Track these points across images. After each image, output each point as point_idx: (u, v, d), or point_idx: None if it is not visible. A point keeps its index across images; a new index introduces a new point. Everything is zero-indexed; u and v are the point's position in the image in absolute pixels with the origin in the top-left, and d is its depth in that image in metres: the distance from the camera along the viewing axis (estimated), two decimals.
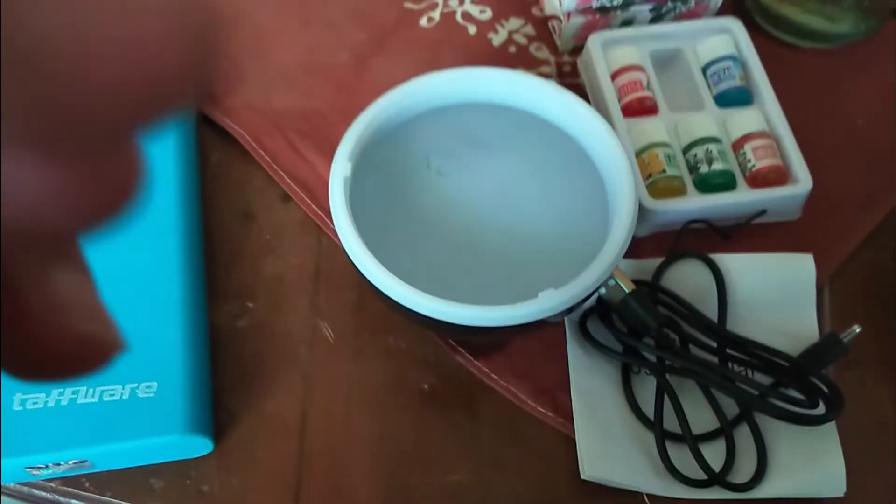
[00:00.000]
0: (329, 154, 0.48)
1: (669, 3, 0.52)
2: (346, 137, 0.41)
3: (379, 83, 0.51)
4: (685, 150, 0.46)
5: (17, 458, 0.37)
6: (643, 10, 0.52)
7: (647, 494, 0.39)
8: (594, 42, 0.49)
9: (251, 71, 0.53)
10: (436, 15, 0.55)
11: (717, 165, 0.45)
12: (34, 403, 0.38)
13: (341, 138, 0.43)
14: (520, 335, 0.42)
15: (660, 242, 0.45)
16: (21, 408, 0.38)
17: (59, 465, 0.38)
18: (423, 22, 0.55)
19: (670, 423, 0.40)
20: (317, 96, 0.52)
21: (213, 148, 0.50)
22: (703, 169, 0.45)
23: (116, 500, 0.40)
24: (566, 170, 0.43)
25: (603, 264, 0.36)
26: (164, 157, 0.45)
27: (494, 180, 0.45)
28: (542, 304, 0.35)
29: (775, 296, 0.43)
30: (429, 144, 0.45)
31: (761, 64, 0.48)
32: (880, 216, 0.47)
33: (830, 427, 0.39)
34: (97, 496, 0.40)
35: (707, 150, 0.45)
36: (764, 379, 0.41)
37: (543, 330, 0.42)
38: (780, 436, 0.40)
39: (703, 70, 0.49)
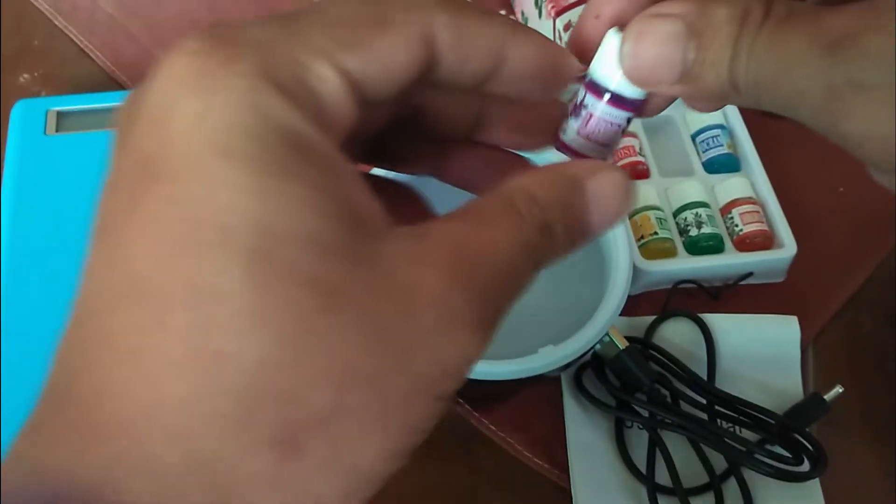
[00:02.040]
0: None
1: None
2: None
3: None
4: (675, 214, 0.49)
5: None
6: None
7: None
8: None
9: None
10: None
11: (706, 229, 0.47)
12: None
13: None
14: (519, 388, 0.44)
15: (651, 300, 0.47)
16: None
17: None
18: None
19: (662, 476, 0.41)
20: None
21: None
22: (693, 232, 0.47)
23: None
24: None
25: (600, 322, 0.38)
26: None
27: None
28: (543, 359, 0.37)
29: (762, 355, 0.45)
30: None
31: (748, 133, 0.51)
32: (861, 279, 0.50)
33: (814, 483, 0.41)
34: None
35: (696, 214, 0.48)
36: (751, 435, 0.42)
37: (541, 383, 0.43)
38: (767, 491, 0.41)
39: (693, 137, 0.52)
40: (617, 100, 0.22)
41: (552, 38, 0.54)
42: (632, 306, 0.47)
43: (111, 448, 0.15)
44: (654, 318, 0.46)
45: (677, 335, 0.46)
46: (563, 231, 0.19)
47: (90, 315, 0.17)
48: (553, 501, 0.42)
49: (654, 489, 0.41)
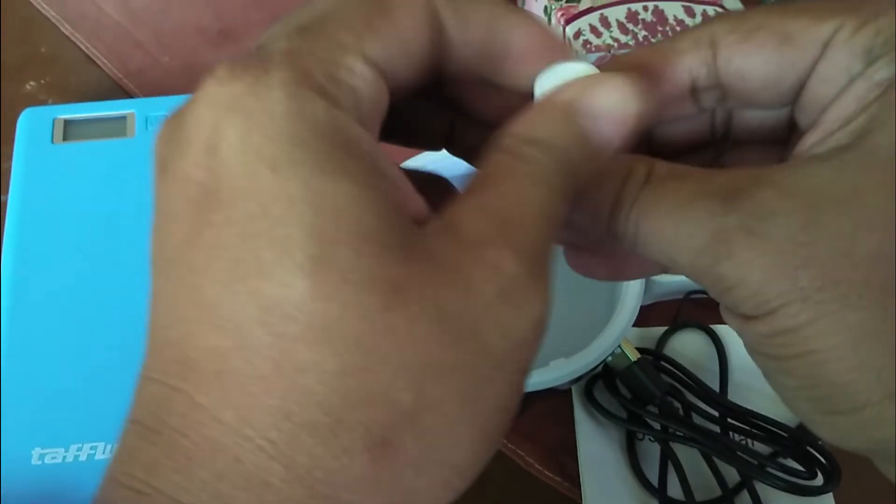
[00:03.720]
0: None
1: None
2: None
3: (391, 150, 0.53)
4: None
5: None
6: None
7: None
8: None
9: None
10: None
11: None
12: (53, 458, 0.39)
13: None
14: (529, 400, 0.44)
15: (662, 311, 0.47)
16: (40, 462, 0.38)
17: None
18: None
19: (674, 489, 0.41)
20: None
21: None
22: None
23: None
24: None
25: (612, 334, 0.38)
26: None
27: None
28: (554, 372, 0.37)
29: None
30: None
31: None
32: None
33: (828, 498, 0.41)
34: None
35: None
36: (764, 448, 0.42)
37: (552, 395, 0.43)
38: None
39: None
40: None
41: None
42: (643, 317, 0.46)
43: (211, 469, 0.16)
44: (665, 329, 0.46)
45: (689, 347, 0.45)
46: (580, 157, 0.19)
47: (167, 345, 0.17)
48: None
49: (665, 502, 0.41)
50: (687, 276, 0.21)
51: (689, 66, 0.22)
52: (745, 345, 0.21)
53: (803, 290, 0.18)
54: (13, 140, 0.49)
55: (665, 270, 0.24)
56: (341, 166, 0.16)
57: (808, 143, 0.21)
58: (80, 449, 0.39)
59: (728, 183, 0.20)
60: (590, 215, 0.21)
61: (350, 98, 0.17)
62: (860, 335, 0.18)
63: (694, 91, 0.23)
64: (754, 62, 0.21)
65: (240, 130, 0.16)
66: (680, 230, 0.20)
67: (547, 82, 0.20)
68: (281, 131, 0.16)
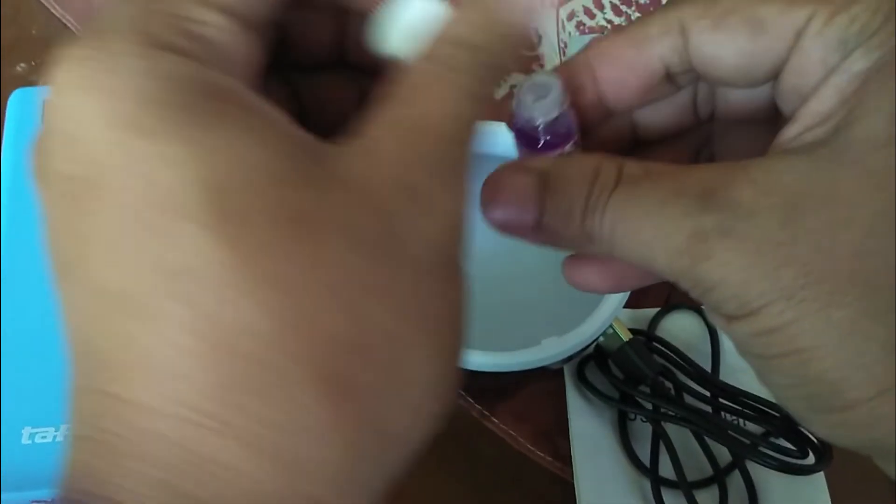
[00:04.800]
0: None
1: None
2: None
3: None
4: None
5: (23, 492, 0.37)
6: None
7: None
8: None
9: None
10: None
11: None
12: (43, 437, 0.39)
13: None
14: (521, 380, 0.44)
15: (655, 292, 0.47)
16: (30, 441, 0.38)
17: None
18: None
19: (665, 469, 0.41)
20: None
21: None
22: None
23: None
24: None
25: (604, 314, 0.37)
26: None
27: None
28: (546, 350, 0.37)
29: None
30: None
31: None
32: None
33: (819, 477, 0.41)
34: None
35: None
36: (755, 428, 0.42)
37: (543, 376, 0.43)
38: (771, 484, 0.41)
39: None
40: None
41: (555, 29, 0.53)
42: (635, 299, 0.46)
43: (160, 465, 0.15)
44: (657, 310, 0.46)
45: (681, 328, 0.45)
46: (503, 50, 0.19)
47: (87, 353, 0.16)
48: (556, 494, 0.42)
49: (657, 482, 0.41)
50: (667, 279, 0.20)
51: (659, 53, 0.22)
52: (734, 344, 0.21)
53: (786, 289, 0.18)
54: (3, 121, 0.49)
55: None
56: (211, 114, 0.15)
57: (787, 136, 0.20)
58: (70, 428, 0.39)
59: (703, 180, 0.19)
60: (561, 218, 0.21)
61: (207, 50, 0.17)
62: (847, 332, 0.18)
63: (669, 75, 0.23)
64: (726, 50, 0.21)
65: (94, 108, 0.15)
66: (656, 232, 0.19)
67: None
68: (138, 95, 0.15)
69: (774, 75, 0.21)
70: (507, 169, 0.22)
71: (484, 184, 0.22)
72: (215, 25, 0.17)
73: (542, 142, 0.23)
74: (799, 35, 0.20)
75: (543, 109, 0.22)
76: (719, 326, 0.21)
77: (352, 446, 0.15)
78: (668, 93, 0.24)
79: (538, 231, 0.21)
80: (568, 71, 0.23)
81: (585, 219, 0.20)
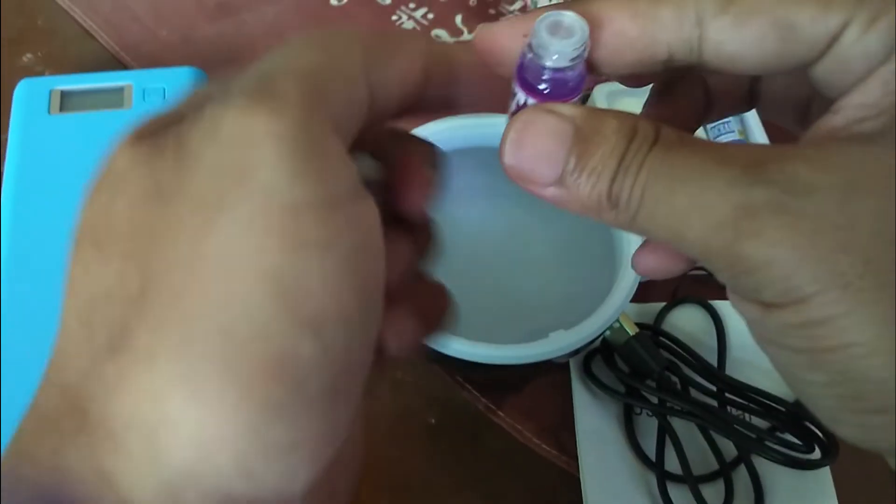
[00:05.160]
0: None
1: None
2: None
3: None
4: None
5: None
6: None
7: None
8: (600, 93, 0.51)
9: None
10: None
11: None
12: None
13: None
14: (527, 374, 0.44)
15: (661, 287, 0.47)
16: None
17: None
18: None
19: (671, 463, 0.41)
20: None
21: None
22: None
23: None
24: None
25: (611, 308, 0.37)
26: None
27: (504, 221, 0.47)
28: (553, 344, 0.37)
29: None
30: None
31: (759, 119, 0.51)
32: None
33: (825, 471, 0.41)
34: None
35: None
36: (761, 423, 0.42)
37: (549, 369, 0.43)
38: (777, 478, 0.41)
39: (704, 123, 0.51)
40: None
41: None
42: (642, 293, 0.46)
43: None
44: (664, 304, 0.46)
45: (687, 322, 0.45)
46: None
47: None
48: (561, 488, 0.42)
49: (663, 476, 0.41)
50: (694, 255, 0.19)
51: (668, 41, 0.20)
52: (756, 335, 0.19)
53: (843, 276, 0.17)
54: (10, 111, 0.49)
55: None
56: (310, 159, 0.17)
57: (831, 125, 0.19)
58: None
59: (751, 153, 0.18)
60: (588, 176, 0.19)
61: (343, 113, 0.18)
62: None
63: (668, 60, 0.21)
64: (750, 50, 0.19)
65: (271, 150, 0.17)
66: (694, 201, 0.18)
67: None
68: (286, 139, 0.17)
69: (802, 68, 0.20)
70: (537, 109, 0.20)
71: (514, 122, 0.20)
72: (359, 97, 0.19)
73: (548, 89, 0.20)
74: (834, 39, 0.19)
75: (562, 52, 0.19)
76: (748, 315, 0.19)
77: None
78: (659, 71, 0.21)
79: (558, 183, 0.20)
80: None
81: (615, 179, 0.19)
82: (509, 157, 0.20)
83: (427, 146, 0.23)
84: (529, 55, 0.20)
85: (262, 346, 0.16)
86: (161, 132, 0.18)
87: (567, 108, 0.20)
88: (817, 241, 0.17)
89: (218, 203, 0.16)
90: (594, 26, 0.20)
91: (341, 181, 0.17)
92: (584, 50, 0.20)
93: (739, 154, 0.18)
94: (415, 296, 0.23)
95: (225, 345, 0.16)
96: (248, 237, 0.16)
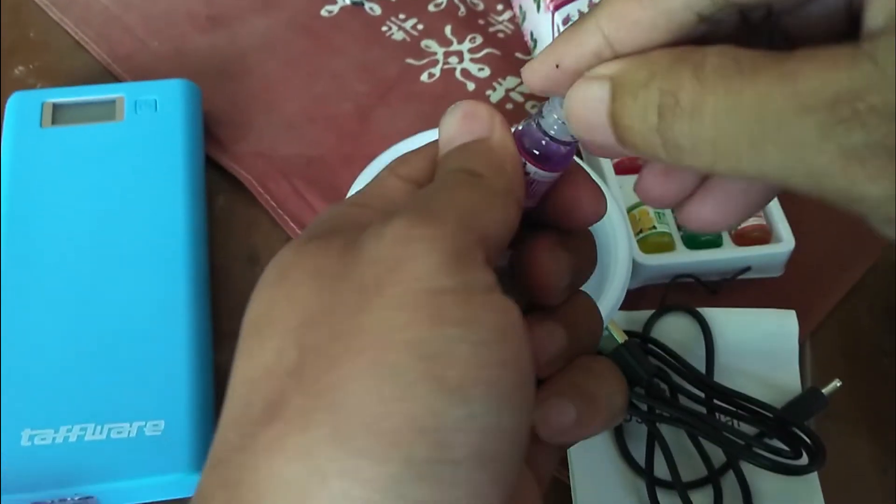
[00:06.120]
0: (333, 200, 0.49)
1: None
2: (354, 188, 0.43)
3: (381, 134, 0.54)
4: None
5: (23, 494, 0.38)
6: None
7: None
8: None
9: (259, 119, 0.55)
10: (436, 71, 0.58)
11: None
12: (42, 440, 0.39)
13: (345, 185, 0.45)
14: None
15: (649, 295, 0.47)
16: (29, 443, 0.39)
17: (64, 500, 0.38)
18: (424, 77, 0.57)
19: (661, 470, 0.41)
20: (321, 144, 0.54)
21: (219, 192, 0.51)
22: None
23: None
24: None
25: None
26: (173, 198, 0.47)
27: None
28: None
29: (760, 349, 0.45)
30: None
31: None
32: (859, 274, 0.50)
33: (813, 477, 0.41)
34: None
35: None
36: (749, 429, 0.42)
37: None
38: (765, 484, 0.41)
39: None
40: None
41: (550, 32, 0.54)
42: (630, 301, 0.47)
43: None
44: (652, 312, 0.46)
45: (676, 329, 0.46)
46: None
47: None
48: (552, 495, 0.42)
49: (652, 483, 0.41)
50: (804, 186, 0.17)
51: (686, 2, 0.19)
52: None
53: None
54: (1, 124, 0.49)
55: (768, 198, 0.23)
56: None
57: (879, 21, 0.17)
58: (70, 430, 0.39)
59: (829, 83, 0.16)
60: (635, 120, 0.19)
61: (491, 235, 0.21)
62: None
63: (701, 18, 0.20)
64: None
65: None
66: (784, 149, 0.17)
67: None
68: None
69: None
70: (582, 78, 0.21)
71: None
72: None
73: (539, 155, 0.23)
74: None
75: (562, 128, 0.22)
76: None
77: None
78: (701, 32, 0.20)
79: (615, 136, 0.20)
80: (576, 40, 0.21)
81: (663, 123, 0.19)
82: (572, 128, 0.22)
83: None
84: (536, 126, 0.23)
85: (408, 405, 0.17)
86: (326, 236, 0.21)
87: (608, 67, 0.21)
88: None
89: (376, 286, 0.19)
90: (609, 25, 0.21)
91: (478, 279, 0.20)
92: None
93: (810, 85, 0.17)
94: (573, 379, 0.24)
95: (373, 403, 0.17)
96: (398, 314, 0.18)
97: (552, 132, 0.22)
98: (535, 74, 0.22)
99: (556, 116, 0.22)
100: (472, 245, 0.20)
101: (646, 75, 0.19)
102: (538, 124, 0.23)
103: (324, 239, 0.21)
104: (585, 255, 0.25)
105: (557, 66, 0.22)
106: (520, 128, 0.23)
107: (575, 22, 0.21)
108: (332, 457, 0.17)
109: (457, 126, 0.23)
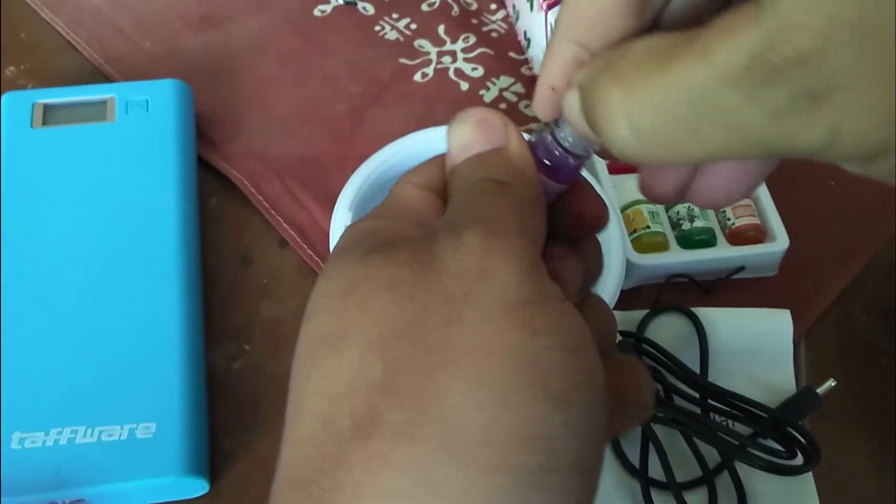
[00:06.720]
0: (326, 201, 0.49)
1: None
2: (347, 188, 0.43)
3: (374, 134, 0.53)
4: (668, 208, 0.48)
5: (13, 497, 0.37)
6: None
7: None
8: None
9: (251, 119, 0.54)
10: (430, 71, 0.57)
11: (699, 223, 0.47)
12: (32, 443, 0.38)
13: (338, 186, 0.44)
14: None
15: (643, 295, 0.47)
16: (19, 446, 0.38)
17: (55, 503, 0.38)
18: (418, 77, 0.57)
19: (655, 470, 0.41)
20: (314, 145, 0.53)
21: (211, 192, 0.51)
22: (686, 226, 0.47)
23: None
24: None
25: None
26: (165, 199, 0.46)
27: None
28: None
29: (754, 349, 0.45)
30: None
31: None
32: (854, 273, 0.50)
33: (807, 477, 0.41)
34: None
35: (689, 207, 0.48)
36: (744, 429, 0.42)
37: None
38: (760, 484, 0.41)
39: None
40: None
41: (543, 32, 0.54)
42: (624, 300, 0.47)
43: None
44: (646, 312, 0.46)
45: (670, 329, 0.46)
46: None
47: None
48: None
49: (647, 483, 0.41)
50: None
51: None
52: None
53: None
54: None
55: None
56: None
57: None
58: (60, 433, 0.39)
59: (723, 45, 0.16)
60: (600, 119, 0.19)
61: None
62: None
63: None
64: None
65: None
66: (717, 124, 0.16)
67: None
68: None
69: None
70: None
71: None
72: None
73: (550, 166, 0.23)
74: None
75: (576, 140, 0.22)
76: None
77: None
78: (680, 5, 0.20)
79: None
80: (554, 57, 0.21)
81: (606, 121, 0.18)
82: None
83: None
84: (552, 138, 0.23)
85: (515, 414, 0.18)
86: (386, 248, 0.20)
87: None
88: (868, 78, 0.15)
89: (464, 298, 0.19)
90: (573, 35, 0.21)
91: (551, 287, 0.20)
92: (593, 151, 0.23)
93: (723, 54, 0.16)
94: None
95: (479, 414, 0.18)
96: (492, 324, 0.19)
97: (566, 144, 0.23)
98: (539, 105, 0.23)
99: (570, 129, 0.22)
100: (538, 254, 0.21)
101: (588, 78, 0.19)
102: (553, 136, 0.23)
103: (387, 251, 0.20)
104: (594, 259, 0.26)
105: (553, 90, 0.22)
106: (532, 139, 0.23)
107: (549, 41, 0.22)
108: (444, 469, 0.17)
109: (471, 134, 0.23)
